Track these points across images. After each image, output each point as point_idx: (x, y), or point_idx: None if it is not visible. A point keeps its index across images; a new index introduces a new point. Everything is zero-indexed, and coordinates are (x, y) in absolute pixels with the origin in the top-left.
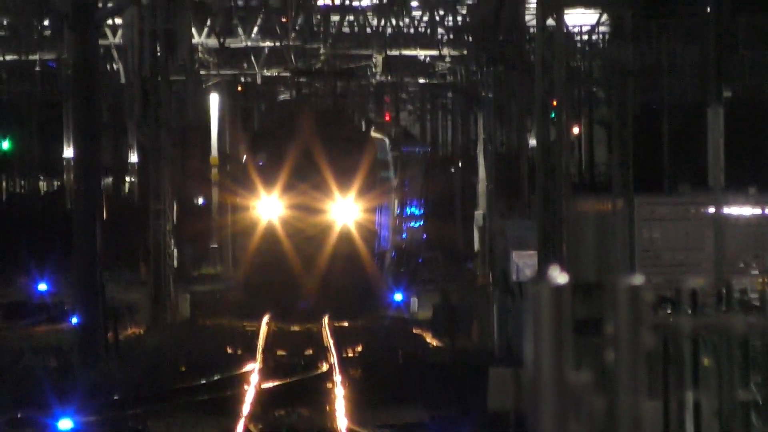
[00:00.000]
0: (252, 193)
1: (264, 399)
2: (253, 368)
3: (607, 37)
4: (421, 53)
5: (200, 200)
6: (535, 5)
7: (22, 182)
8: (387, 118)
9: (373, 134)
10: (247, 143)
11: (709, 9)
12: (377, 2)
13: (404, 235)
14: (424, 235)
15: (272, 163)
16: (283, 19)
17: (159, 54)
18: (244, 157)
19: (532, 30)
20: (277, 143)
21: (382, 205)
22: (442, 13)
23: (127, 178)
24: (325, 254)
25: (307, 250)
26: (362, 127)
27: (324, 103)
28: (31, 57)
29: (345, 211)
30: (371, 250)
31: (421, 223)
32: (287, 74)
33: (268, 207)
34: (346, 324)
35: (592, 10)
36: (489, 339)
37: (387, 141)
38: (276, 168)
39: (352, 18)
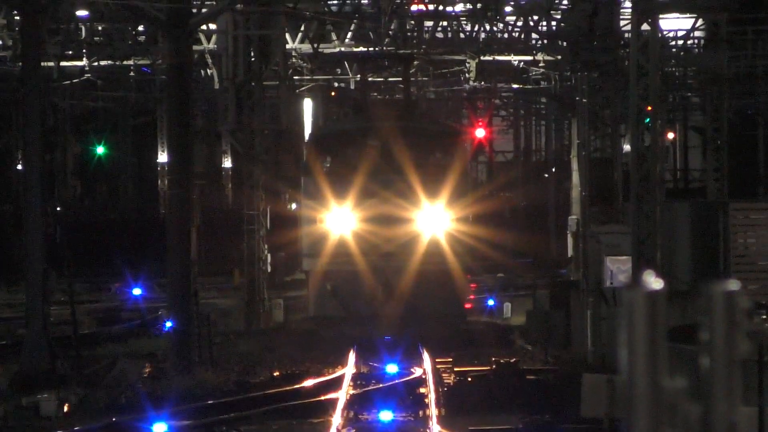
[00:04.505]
0: (317, 203)
1: (356, 404)
2: (344, 373)
3: (702, 42)
4: (515, 59)
5: (293, 206)
6: (630, 11)
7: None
8: (480, 123)
9: None
10: (309, 143)
11: None
12: (471, 8)
13: None
14: None
15: (340, 165)
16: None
17: (253, 60)
18: (306, 159)
19: (626, 35)
20: (345, 142)
21: (474, 213)
22: (536, 18)
23: (221, 184)
24: (410, 274)
25: (387, 269)
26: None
27: (398, 95)
28: (125, 63)
29: (434, 220)
30: (464, 267)
31: None
32: (380, 79)
33: (337, 219)
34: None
35: (687, 15)
36: (582, 345)
37: None
38: (345, 171)
39: (445, 23)
